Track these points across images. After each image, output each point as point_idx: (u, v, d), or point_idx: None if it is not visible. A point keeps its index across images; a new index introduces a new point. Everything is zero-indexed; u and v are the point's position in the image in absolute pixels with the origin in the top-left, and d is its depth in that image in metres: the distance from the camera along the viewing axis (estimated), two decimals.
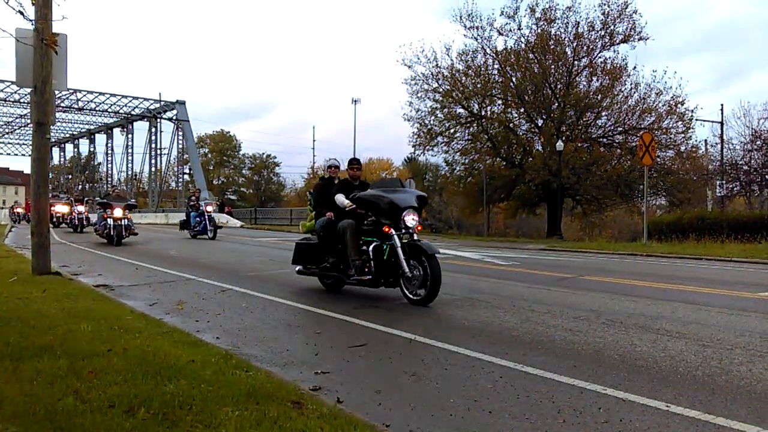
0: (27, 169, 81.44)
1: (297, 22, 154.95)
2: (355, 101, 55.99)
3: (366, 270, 7.54)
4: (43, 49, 8.48)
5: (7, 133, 59.22)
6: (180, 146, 53.74)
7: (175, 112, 52.51)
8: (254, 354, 4.89)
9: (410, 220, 7.31)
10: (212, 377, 3.61)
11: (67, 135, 66.02)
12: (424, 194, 8.07)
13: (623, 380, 4.21)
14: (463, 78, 33.82)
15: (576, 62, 31.78)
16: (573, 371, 4.43)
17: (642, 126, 30.20)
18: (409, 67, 34.46)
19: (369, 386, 4.11)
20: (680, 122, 30.92)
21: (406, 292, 7.28)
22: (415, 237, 7.36)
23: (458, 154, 36.35)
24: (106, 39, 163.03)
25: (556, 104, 32.42)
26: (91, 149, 67.11)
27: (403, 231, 7.31)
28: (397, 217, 7.32)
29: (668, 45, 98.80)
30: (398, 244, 7.20)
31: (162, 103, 53.06)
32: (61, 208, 28.50)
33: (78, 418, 2.76)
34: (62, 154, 71.55)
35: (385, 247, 7.42)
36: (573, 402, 3.78)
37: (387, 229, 7.34)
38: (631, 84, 31.72)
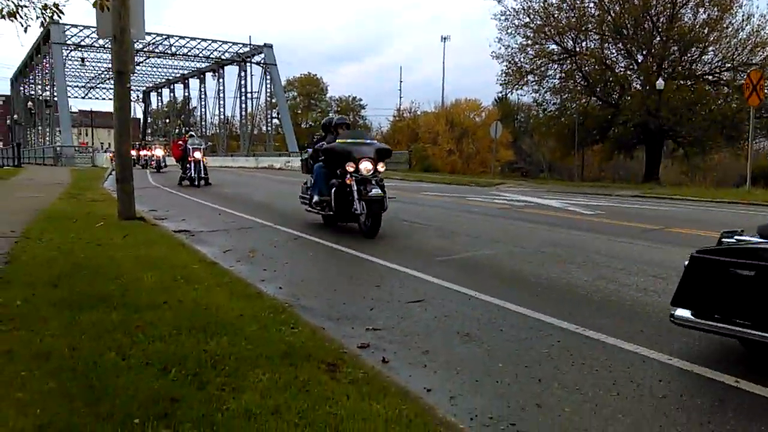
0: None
1: None
2: (444, 38, 54.72)
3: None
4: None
5: (109, 79, 62.11)
6: (269, 90, 54.64)
7: (263, 55, 53.18)
8: (310, 306, 4.90)
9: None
10: (255, 334, 3.61)
11: (163, 80, 68.51)
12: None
13: (692, 349, 3.89)
14: (557, 12, 32.03)
15: None
16: (638, 337, 4.13)
17: (753, 62, 27.59)
18: (499, 1, 32.97)
19: (418, 346, 4.00)
20: None
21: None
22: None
23: (549, 93, 34.77)
24: None
25: (658, 39, 30.12)
26: (186, 94, 69.43)
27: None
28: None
29: None
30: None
31: (250, 46, 53.78)
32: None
33: (111, 377, 2.81)
34: (159, 98, 74.44)
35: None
36: (632, 372, 3.52)
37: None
38: (742, 15, 28.86)
